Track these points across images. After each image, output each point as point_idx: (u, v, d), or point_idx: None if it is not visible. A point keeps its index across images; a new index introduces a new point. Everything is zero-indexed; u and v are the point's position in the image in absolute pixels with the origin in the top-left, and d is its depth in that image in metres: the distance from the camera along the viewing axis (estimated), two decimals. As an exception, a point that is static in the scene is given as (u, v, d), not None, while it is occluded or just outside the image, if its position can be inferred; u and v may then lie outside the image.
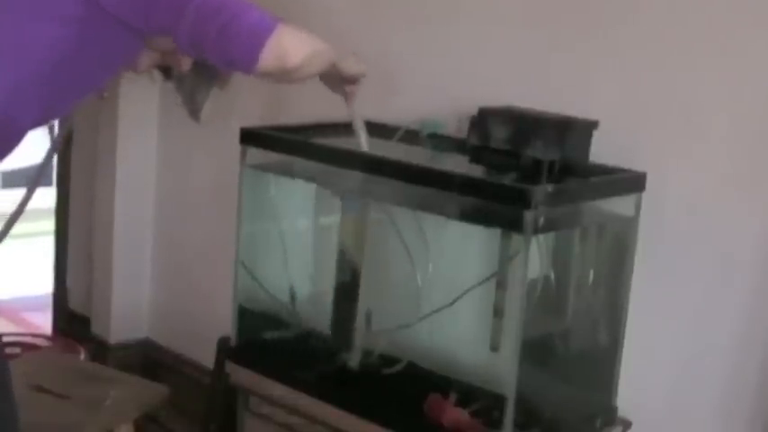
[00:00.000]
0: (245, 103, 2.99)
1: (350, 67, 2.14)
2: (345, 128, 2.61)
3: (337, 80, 2.18)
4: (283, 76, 1.87)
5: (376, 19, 2.80)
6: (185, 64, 2.09)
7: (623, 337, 2.29)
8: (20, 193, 3.22)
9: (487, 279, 2.29)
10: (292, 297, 2.63)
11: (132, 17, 1.82)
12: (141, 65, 2.05)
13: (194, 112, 2.61)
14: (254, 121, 2.54)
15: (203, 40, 1.79)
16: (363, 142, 2.31)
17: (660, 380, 2.29)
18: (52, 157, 3.55)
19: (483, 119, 2.29)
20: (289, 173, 2.55)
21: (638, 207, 2.23)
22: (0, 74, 1.76)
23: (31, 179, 3.22)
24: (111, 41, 1.85)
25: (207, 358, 3.06)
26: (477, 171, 2.30)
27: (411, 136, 2.51)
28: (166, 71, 2.18)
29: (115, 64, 1.97)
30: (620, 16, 2.31)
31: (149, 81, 2.47)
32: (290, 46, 1.82)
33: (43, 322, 4.11)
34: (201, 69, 2.13)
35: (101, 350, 3.52)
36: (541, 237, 2.15)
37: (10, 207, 3.22)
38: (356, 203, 2.52)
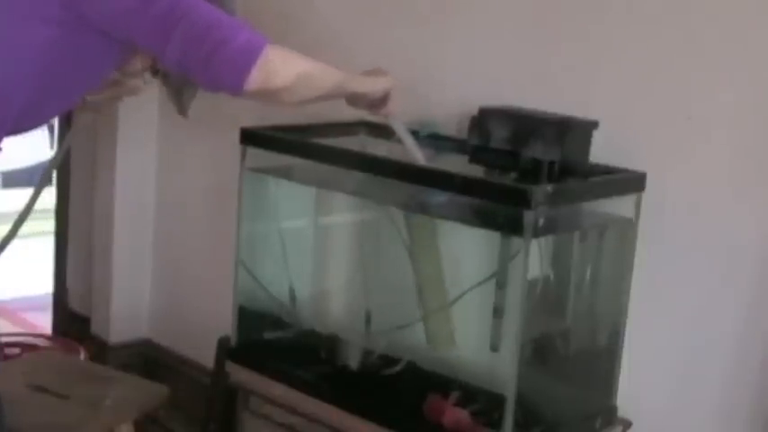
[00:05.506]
0: (245, 103, 2.98)
1: (363, 86, 2.05)
2: (345, 128, 2.62)
3: (365, 103, 2.10)
4: (271, 97, 1.82)
5: (375, 20, 2.80)
6: None
7: (623, 337, 2.29)
8: (19, 193, 3.22)
9: (487, 279, 2.29)
10: (292, 297, 2.63)
11: (116, 33, 1.78)
12: (132, 67, 2.01)
13: (181, 108, 2.64)
14: (254, 121, 2.53)
15: (190, 65, 1.75)
16: (419, 158, 2.23)
17: (660, 380, 2.29)
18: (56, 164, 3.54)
19: (483, 119, 2.28)
20: (288, 175, 2.55)
21: (638, 207, 2.23)
22: None
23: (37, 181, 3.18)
24: (95, 48, 1.80)
25: (207, 358, 3.06)
26: (477, 171, 2.30)
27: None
28: (154, 69, 2.16)
29: (101, 71, 1.91)
30: (620, 16, 2.31)
31: (140, 82, 2.46)
32: (278, 67, 1.77)
33: (43, 322, 4.11)
34: None
35: (101, 350, 3.52)
36: (541, 236, 2.15)
37: (9, 207, 3.22)
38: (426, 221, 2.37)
